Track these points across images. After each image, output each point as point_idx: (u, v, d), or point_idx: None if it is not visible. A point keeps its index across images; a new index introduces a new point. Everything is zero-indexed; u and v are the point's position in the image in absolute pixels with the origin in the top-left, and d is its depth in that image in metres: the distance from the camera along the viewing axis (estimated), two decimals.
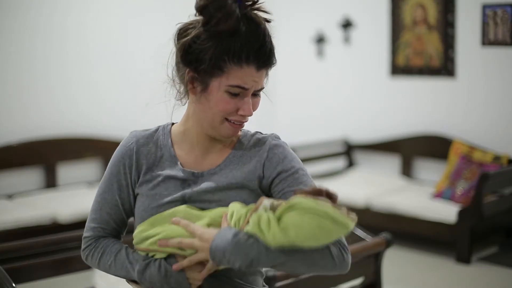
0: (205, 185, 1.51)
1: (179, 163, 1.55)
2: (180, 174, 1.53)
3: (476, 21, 4.85)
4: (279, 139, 1.59)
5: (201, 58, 1.44)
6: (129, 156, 1.57)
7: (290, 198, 1.37)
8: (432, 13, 5.17)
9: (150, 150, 1.57)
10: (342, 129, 5.90)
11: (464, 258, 4.42)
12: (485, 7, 4.74)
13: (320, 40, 5.93)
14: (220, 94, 1.46)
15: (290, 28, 6.18)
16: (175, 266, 1.46)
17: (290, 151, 1.57)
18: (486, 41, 4.79)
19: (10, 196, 4.82)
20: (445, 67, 5.14)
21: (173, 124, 1.62)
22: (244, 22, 1.43)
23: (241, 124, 1.51)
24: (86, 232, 1.61)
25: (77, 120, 5.27)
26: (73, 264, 2.67)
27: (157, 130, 1.61)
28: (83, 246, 1.62)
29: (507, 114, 4.86)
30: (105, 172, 1.60)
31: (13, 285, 2.17)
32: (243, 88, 1.45)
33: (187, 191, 1.52)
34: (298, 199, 1.35)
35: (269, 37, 1.47)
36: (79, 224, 4.30)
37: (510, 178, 4.64)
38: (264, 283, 1.63)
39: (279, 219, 1.36)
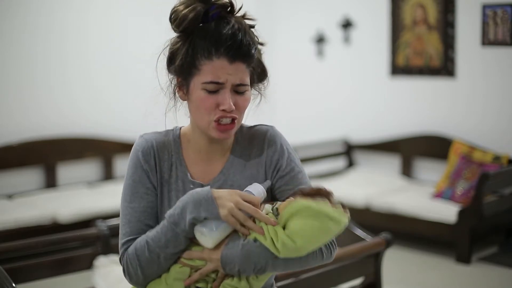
0: None
1: (189, 174, 1.56)
2: (190, 186, 1.54)
3: (476, 21, 4.85)
4: (275, 131, 1.62)
5: (176, 58, 1.50)
6: (148, 160, 1.55)
7: (291, 201, 1.42)
8: (432, 13, 5.17)
9: (165, 155, 1.57)
10: (342, 129, 5.90)
11: (464, 258, 4.42)
12: (485, 7, 4.74)
13: (320, 40, 5.93)
14: (198, 93, 1.48)
15: (290, 28, 6.18)
16: (186, 282, 1.46)
17: (286, 145, 1.61)
18: (486, 41, 4.79)
19: (10, 196, 4.82)
20: (445, 67, 5.14)
21: (181, 128, 1.63)
22: (215, 22, 1.47)
23: (226, 125, 1.49)
24: (120, 250, 1.51)
25: (77, 120, 5.27)
26: (73, 264, 2.68)
27: (167, 134, 1.60)
28: (123, 267, 1.51)
29: (507, 114, 4.86)
30: (125, 182, 1.55)
31: (13, 285, 2.17)
32: (217, 83, 1.46)
33: None
34: (299, 204, 1.40)
35: (243, 32, 1.47)
36: (79, 224, 4.30)
37: (510, 178, 4.64)
38: None
39: (284, 227, 1.41)
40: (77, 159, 5.24)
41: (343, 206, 1.43)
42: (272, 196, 1.56)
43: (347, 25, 5.73)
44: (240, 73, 1.47)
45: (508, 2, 4.63)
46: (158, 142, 1.57)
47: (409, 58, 5.36)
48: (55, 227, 4.31)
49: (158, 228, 1.46)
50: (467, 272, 4.30)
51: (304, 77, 6.15)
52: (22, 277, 2.45)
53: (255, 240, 1.42)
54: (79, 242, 2.87)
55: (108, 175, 5.38)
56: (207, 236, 1.42)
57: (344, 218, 1.42)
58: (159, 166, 1.55)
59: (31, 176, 5.06)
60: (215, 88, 1.46)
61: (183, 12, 1.47)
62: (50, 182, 5.08)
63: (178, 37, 1.51)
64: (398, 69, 5.45)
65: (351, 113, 5.86)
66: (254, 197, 1.45)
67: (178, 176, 1.55)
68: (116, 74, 5.42)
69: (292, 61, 6.18)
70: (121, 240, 1.52)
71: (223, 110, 1.47)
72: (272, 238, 1.40)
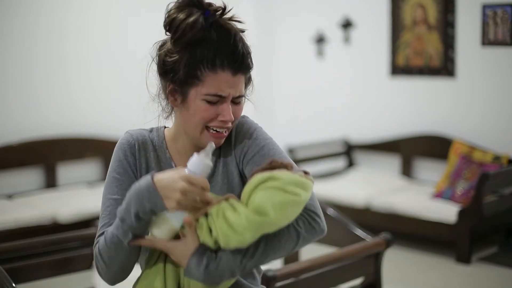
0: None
1: (174, 165, 1.58)
2: None
3: (476, 21, 4.85)
4: (242, 120, 1.60)
5: (176, 68, 1.47)
6: (133, 154, 1.57)
7: (249, 180, 1.39)
8: (432, 13, 5.17)
9: (148, 150, 1.59)
10: (342, 129, 5.90)
11: (464, 258, 4.42)
12: (485, 7, 4.74)
13: (320, 40, 5.93)
14: (198, 103, 1.47)
15: (290, 28, 6.18)
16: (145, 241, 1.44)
17: (253, 127, 1.59)
18: (486, 41, 4.78)
19: (10, 196, 4.82)
20: (445, 67, 5.14)
21: (165, 127, 1.64)
22: (215, 30, 1.44)
23: (221, 133, 1.51)
24: (95, 242, 1.51)
25: (77, 120, 5.27)
26: (73, 264, 2.67)
27: (151, 131, 1.62)
28: (94, 256, 1.50)
29: (507, 114, 4.86)
30: (108, 175, 1.56)
31: (13, 285, 2.17)
32: (220, 96, 1.46)
33: None
34: (259, 177, 1.36)
35: (243, 42, 1.47)
36: (79, 224, 4.31)
37: (510, 178, 4.64)
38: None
39: (246, 204, 1.36)
40: (77, 159, 5.24)
41: (305, 172, 1.41)
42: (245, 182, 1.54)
43: (347, 25, 5.72)
44: (240, 84, 1.49)
45: (508, 2, 4.63)
46: (143, 136, 1.60)
47: (409, 58, 5.36)
48: (55, 227, 4.32)
49: (113, 224, 1.45)
50: (467, 272, 4.30)
51: (304, 77, 6.15)
52: (22, 277, 2.45)
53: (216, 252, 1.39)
54: (79, 242, 2.87)
55: None
56: (159, 235, 1.42)
57: (310, 182, 1.39)
58: (145, 159, 1.57)
59: (31, 176, 5.06)
60: (216, 100, 1.47)
61: (185, 22, 1.43)
62: (50, 182, 5.09)
63: (175, 45, 1.47)
64: (398, 69, 5.45)
65: (351, 113, 5.86)
66: (199, 179, 1.36)
67: (163, 168, 1.57)
68: (116, 74, 5.42)
69: (292, 61, 6.18)
70: (98, 232, 1.51)
71: (222, 121, 1.48)
72: (215, 229, 1.35)
